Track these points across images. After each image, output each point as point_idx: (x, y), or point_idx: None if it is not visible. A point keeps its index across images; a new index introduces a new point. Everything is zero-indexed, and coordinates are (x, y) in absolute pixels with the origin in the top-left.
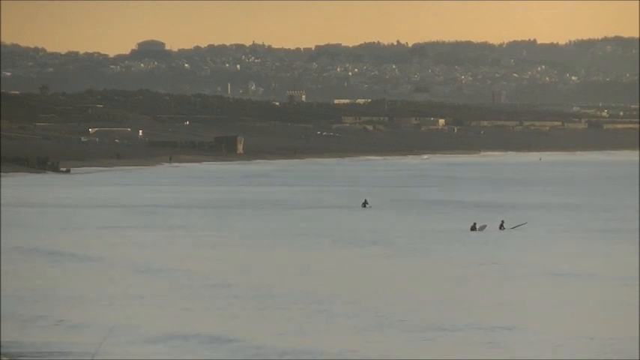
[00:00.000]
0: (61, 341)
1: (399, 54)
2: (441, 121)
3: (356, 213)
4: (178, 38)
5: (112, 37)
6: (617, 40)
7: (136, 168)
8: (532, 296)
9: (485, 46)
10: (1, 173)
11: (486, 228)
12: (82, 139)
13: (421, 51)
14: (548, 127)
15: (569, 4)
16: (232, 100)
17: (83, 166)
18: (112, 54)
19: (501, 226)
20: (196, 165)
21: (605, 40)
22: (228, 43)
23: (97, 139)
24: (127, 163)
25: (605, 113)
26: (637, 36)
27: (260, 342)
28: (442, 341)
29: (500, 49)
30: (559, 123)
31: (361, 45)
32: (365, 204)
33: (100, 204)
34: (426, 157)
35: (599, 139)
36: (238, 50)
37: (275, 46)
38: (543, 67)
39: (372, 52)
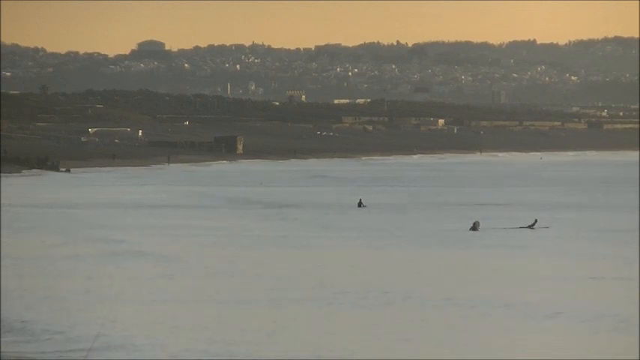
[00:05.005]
0: (58, 341)
1: (399, 54)
2: (441, 121)
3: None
4: (178, 38)
5: (112, 37)
6: (617, 40)
7: (134, 168)
8: (531, 297)
9: (485, 46)
10: (1, 173)
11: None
12: (82, 139)
13: (421, 51)
14: (548, 127)
15: (569, 4)
16: (232, 100)
17: (83, 166)
18: (112, 54)
19: (532, 225)
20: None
21: (605, 40)
22: (228, 43)
23: (97, 139)
24: (125, 164)
25: (604, 113)
26: (637, 36)
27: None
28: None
29: (500, 49)
30: (559, 123)
31: (361, 45)
32: (360, 204)
33: (99, 203)
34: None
35: (598, 139)
36: (238, 50)
37: (275, 46)
38: (543, 67)
39: (371, 52)
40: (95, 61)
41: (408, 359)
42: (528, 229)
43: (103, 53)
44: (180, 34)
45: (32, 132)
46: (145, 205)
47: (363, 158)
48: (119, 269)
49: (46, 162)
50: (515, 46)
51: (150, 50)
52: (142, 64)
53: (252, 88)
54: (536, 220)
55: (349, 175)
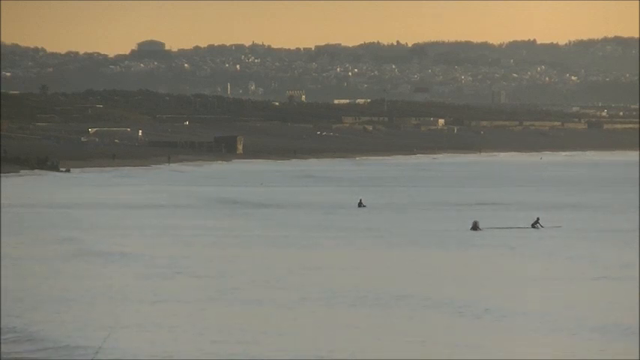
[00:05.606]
0: (61, 342)
1: (399, 54)
2: (441, 121)
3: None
4: (178, 38)
5: (112, 37)
6: (617, 40)
7: (134, 168)
8: (530, 298)
9: (485, 46)
10: (1, 173)
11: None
12: (82, 139)
13: (421, 51)
14: (548, 127)
15: (569, 4)
16: (232, 100)
17: (83, 166)
18: (112, 54)
19: (535, 224)
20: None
21: (605, 40)
22: (228, 43)
23: (97, 139)
24: (125, 164)
25: (604, 113)
26: (637, 36)
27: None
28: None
29: (500, 49)
30: (559, 123)
31: (361, 45)
32: (360, 204)
33: (99, 203)
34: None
35: (598, 139)
36: (238, 50)
37: (275, 46)
38: (543, 67)
39: (371, 52)
40: (95, 61)
41: (408, 359)
42: (531, 229)
43: (103, 53)
44: (180, 34)
45: (32, 132)
46: (145, 205)
47: (363, 158)
48: (119, 269)
49: (46, 162)
50: (515, 46)
51: (150, 50)
52: (142, 64)
53: (252, 88)
54: (538, 219)
55: (349, 175)
